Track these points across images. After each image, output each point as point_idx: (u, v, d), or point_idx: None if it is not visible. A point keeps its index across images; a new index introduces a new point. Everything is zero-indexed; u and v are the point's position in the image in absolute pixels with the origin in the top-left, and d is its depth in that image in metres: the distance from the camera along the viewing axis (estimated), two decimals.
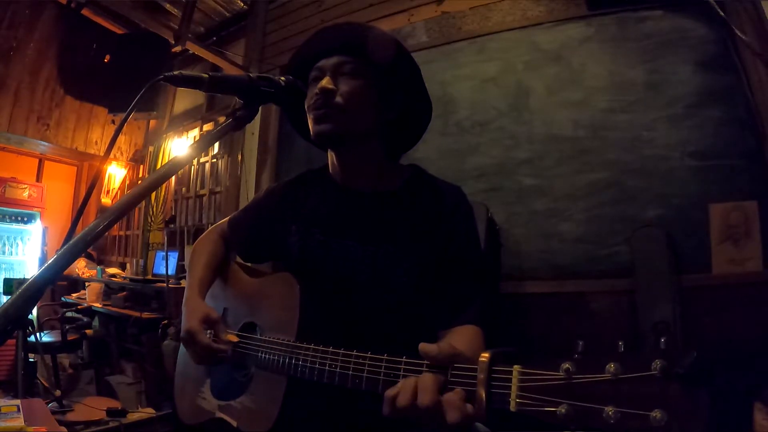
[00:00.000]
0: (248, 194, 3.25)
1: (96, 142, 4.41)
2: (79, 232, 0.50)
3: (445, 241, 0.90)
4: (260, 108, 0.75)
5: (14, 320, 0.43)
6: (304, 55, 0.95)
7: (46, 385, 2.80)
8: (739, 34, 1.79)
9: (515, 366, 0.51)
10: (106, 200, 4.78)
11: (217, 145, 3.78)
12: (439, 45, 2.54)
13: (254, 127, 3.27)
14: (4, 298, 3.26)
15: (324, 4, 3.07)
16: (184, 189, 4.10)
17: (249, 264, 1.14)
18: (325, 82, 0.88)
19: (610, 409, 0.42)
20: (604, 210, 2.00)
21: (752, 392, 1.50)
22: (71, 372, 3.28)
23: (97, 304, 3.56)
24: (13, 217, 4.10)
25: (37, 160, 4.65)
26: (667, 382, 0.40)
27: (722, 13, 1.82)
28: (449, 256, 0.89)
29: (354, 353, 0.69)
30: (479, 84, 2.38)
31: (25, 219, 4.18)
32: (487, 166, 2.28)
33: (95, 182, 0.93)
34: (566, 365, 0.46)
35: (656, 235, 1.85)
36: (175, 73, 0.66)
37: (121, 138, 4.66)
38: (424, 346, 0.60)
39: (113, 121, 4.21)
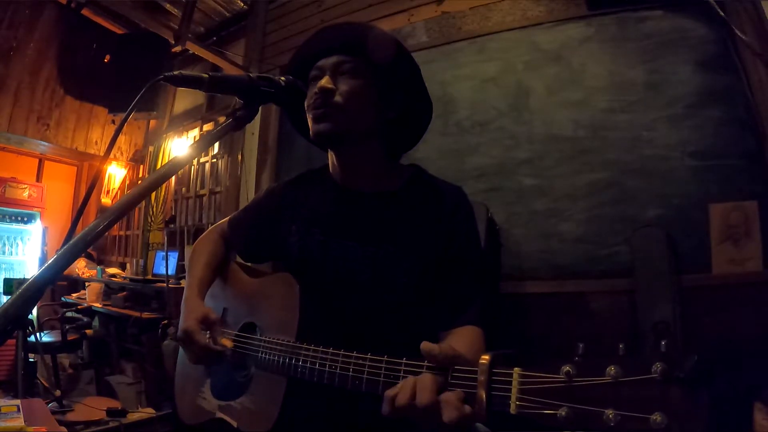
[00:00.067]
0: (248, 194, 3.25)
1: (96, 142, 4.40)
2: (79, 232, 0.50)
3: (446, 241, 0.90)
4: (260, 108, 0.75)
5: (14, 320, 0.43)
6: (305, 55, 0.95)
7: (46, 385, 2.80)
8: (739, 34, 1.79)
9: (515, 368, 0.51)
10: (106, 200, 4.78)
11: (217, 145, 3.78)
12: (439, 45, 2.54)
13: (254, 127, 3.27)
14: (4, 298, 3.26)
15: (324, 4, 3.07)
16: (184, 189, 4.09)
17: (249, 264, 1.14)
18: (325, 81, 0.88)
19: (610, 412, 0.42)
20: (604, 210, 2.00)
21: (752, 392, 1.50)
22: (71, 372, 3.28)
23: (97, 304, 3.56)
24: (13, 217, 4.10)
25: (37, 160, 4.65)
26: (668, 385, 0.40)
27: (722, 13, 1.82)
28: (450, 256, 0.89)
29: (354, 354, 0.69)
30: (479, 84, 2.38)
31: (25, 219, 4.18)
32: (487, 166, 2.28)
33: (95, 182, 0.94)
34: (566, 368, 0.46)
35: (656, 235, 1.85)
36: (175, 73, 0.66)
37: (121, 138, 4.66)
38: (426, 345, 0.60)
39: (113, 121, 4.21)
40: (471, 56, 2.43)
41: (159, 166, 4.36)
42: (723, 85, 1.85)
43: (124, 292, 3.59)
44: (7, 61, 3.64)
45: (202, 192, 3.93)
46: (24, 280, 1.91)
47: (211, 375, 0.97)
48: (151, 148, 4.58)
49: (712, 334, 1.73)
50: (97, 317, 3.55)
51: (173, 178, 3.98)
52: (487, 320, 0.85)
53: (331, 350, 0.72)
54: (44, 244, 4.27)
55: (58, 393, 2.59)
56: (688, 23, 1.94)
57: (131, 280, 3.70)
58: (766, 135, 1.76)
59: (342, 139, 0.90)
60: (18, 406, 1.25)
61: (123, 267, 4.39)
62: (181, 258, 3.66)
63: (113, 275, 3.98)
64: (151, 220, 4.31)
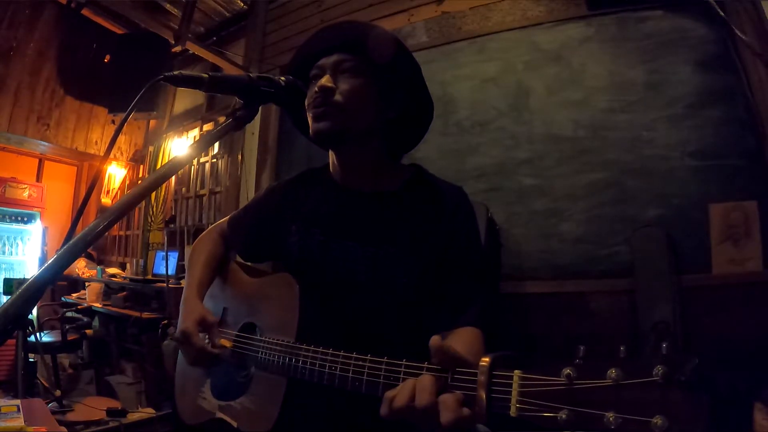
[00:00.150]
0: (248, 194, 3.25)
1: (96, 142, 4.40)
2: (79, 232, 0.50)
3: (446, 241, 0.89)
4: (260, 108, 0.75)
5: (14, 320, 0.43)
6: (305, 54, 0.95)
7: (46, 385, 2.80)
8: (739, 34, 1.79)
9: (516, 371, 0.51)
10: (106, 200, 4.78)
11: (217, 145, 3.78)
12: (439, 45, 2.54)
13: (254, 127, 3.27)
14: (4, 298, 3.26)
15: (324, 4, 3.07)
16: (184, 189, 4.09)
17: (249, 263, 1.13)
18: (325, 80, 0.88)
19: (611, 415, 0.42)
20: (604, 210, 2.00)
21: (752, 392, 1.50)
22: (71, 372, 3.28)
23: (97, 304, 3.56)
24: (13, 217, 4.10)
25: (37, 160, 4.65)
26: (669, 388, 0.40)
27: (722, 13, 1.82)
28: (450, 256, 0.89)
29: (354, 355, 0.69)
30: (479, 84, 2.38)
31: (25, 219, 4.18)
32: (487, 166, 2.28)
33: (95, 182, 0.93)
34: (567, 370, 0.46)
35: (656, 235, 1.85)
36: (175, 73, 0.65)
37: (121, 138, 4.66)
38: (437, 340, 0.59)
39: (113, 121, 4.21)
40: (471, 56, 2.43)
41: (159, 166, 4.36)
42: (723, 85, 1.85)
43: (124, 292, 3.59)
44: (7, 61, 3.64)
45: (202, 192, 3.93)
46: (24, 280, 1.91)
47: (211, 375, 0.97)
48: (151, 148, 4.58)
49: (712, 334, 1.73)
50: (97, 317, 3.55)
51: (173, 178, 3.98)
52: (487, 321, 0.85)
53: (330, 351, 0.72)
54: (44, 244, 4.27)
55: (58, 393, 2.59)
56: (688, 23, 1.94)
57: (131, 280, 3.70)
58: (766, 135, 1.76)
59: (342, 138, 0.90)
60: (18, 406, 1.25)
61: (123, 267, 4.39)
62: (181, 258, 3.66)
63: (113, 275, 3.98)
64: (151, 220, 4.31)
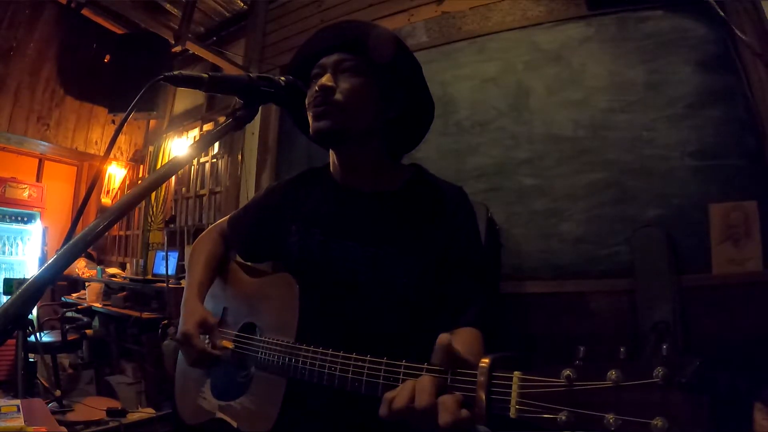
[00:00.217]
0: (248, 194, 3.24)
1: (96, 142, 4.40)
2: (79, 232, 0.50)
3: (446, 241, 0.89)
4: (260, 108, 0.75)
5: (14, 320, 0.43)
6: (306, 54, 0.95)
7: (46, 385, 2.80)
8: (739, 34, 1.79)
9: (515, 372, 0.51)
10: (106, 200, 4.78)
11: (217, 145, 3.78)
12: (439, 45, 2.54)
13: (254, 127, 3.27)
14: (4, 298, 3.26)
15: (324, 4, 3.07)
16: (184, 189, 4.09)
17: (249, 263, 1.13)
18: (325, 79, 0.88)
19: (611, 417, 0.42)
20: (604, 210, 2.00)
21: (752, 392, 1.50)
22: (71, 372, 3.28)
23: (97, 304, 3.56)
24: (13, 217, 4.10)
25: (37, 160, 4.65)
26: (669, 389, 0.40)
27: (722, 13, 1.82)
28: (450, 257, 0.89)
29: (353, 356, 0.69)
30: (479, 84, 2.38)
31: (25, 219, 4.18)
32: (487, 166, 2.28)
33: (95, 182, 0.93)
34: (567, 372, 0.46)
35: (656, 235, 1.85)
36: (175, 73, 0.65)
37: (121, 138, 4.66)
38: (445, 337, 0.58)
39: (113, 121, 4.21)
40: (471, 56, 2.43)
41: (159, 166, 4.36)
42: (723, 85, 1.85)
43: (124, 292, 3.59)
44: (7, 61, 3.64)
45: (202, 192, 3.93)
46: (24, 280, 1.91)
47: (212, 375, 0.97)
48: (151, 148, 4.58)
49: (712, 334, 1.73)
50: (97, 317, 3.55)
51: (173, 178, 3.98)
52: (488, 321, 0.85)
53: (330, 351, 0.72)
54: (44, 244, 4.27)
55: (58, 393, 2.59)
56: (688, 23, 1.94)
57: (131, 280, 3.70)
58: (766, 135, 1.75)
59: (342, 137, 0.89)
60: (18, 406, 1.25)
61: (123, 267, 4.39)
62: (181, 258, 3.66)
63: (113, 275, 3.98)
64: (151, 220, 4.31)
